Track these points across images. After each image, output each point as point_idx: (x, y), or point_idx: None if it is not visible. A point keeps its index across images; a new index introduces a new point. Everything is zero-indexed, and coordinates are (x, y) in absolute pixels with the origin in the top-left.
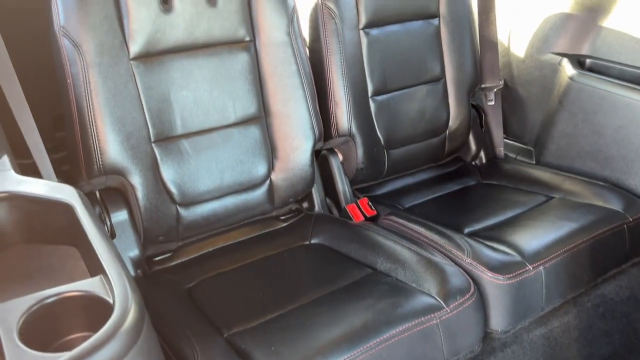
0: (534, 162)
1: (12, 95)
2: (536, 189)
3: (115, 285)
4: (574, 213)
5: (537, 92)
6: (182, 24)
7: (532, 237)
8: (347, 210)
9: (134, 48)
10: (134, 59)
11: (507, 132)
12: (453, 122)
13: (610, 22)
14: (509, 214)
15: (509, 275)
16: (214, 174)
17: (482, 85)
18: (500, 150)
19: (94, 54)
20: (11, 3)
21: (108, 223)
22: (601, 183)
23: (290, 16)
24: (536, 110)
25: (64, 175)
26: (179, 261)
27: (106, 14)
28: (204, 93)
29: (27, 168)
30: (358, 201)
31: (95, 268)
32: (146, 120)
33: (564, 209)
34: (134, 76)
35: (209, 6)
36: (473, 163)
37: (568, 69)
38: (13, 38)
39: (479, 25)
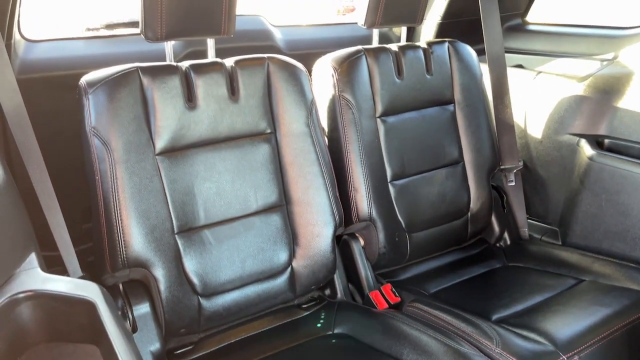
0: (560, 242)
1: (41, 190)
2: (564, 271)
3: None
4: (607, 297)
5: (558, 173)
6: (206, 120)
7: (564, 324)
8: (371, 297)
9: (160, 144)
10: (160, 154)
11: (530, 213)
12: (474, 204)
13: (626, 103)
14: (537, 298)
15: None
16: (235, 263)
17: (502, 167)
18: (525, 231)
19: (122, 151)
20: (44, 100)
21: (130, 317)
22: (632, 265)
23: (309, 108)
24: (558, 190)
25: (89, 267)
26: (201, 354)
27: (135, 115)
28: (226, 184)
29: (53, 260)
30: (381, 287)
31: None
32: (170, 213)
33: (596, 293)
34: (159, 170)
35: (231, 102)
36: (497, 245)
37: (587, 150)
38: (45, 133)
39: (495, 108)
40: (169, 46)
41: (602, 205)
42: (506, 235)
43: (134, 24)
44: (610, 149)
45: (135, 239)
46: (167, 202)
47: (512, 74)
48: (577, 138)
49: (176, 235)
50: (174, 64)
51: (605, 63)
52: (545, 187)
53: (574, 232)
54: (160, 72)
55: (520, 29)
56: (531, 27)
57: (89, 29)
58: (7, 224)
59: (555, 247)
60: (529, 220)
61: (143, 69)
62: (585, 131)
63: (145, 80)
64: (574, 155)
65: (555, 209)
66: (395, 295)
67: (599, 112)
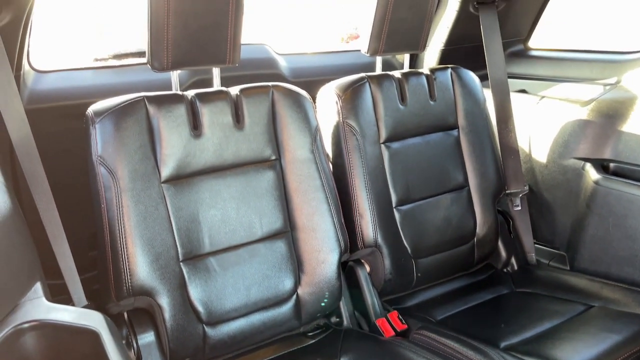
0: (568, 267)
1: (48, 220)
2: (573, 297)
3: None
4: (617, 323)
5: (564, 197)
6: (211, 147)
7: (574, 351)
8: (377, 324)
9: (165, 172)
10: (165, 181)
11: (537, 237)
12: (480, 229)
13: (630, 127)
14: (546, 325)
15: None
16: (240, 291)
17: (507, 191)
18: (532, 256)
19: (127, 179)
20: (52, 129)
21: (135, 346)
22: None
23: (314, 135)
24: (565, 214)
25: (94, 295)
26: None
27: (141, 143)
28: (231, 211)
29: (58, 288)
30: (388, 315)
31: None
32: (175, 241)
33: (606, 319)
34: (165, 198)
35: (236, 130)
36: (505, 270)
37: (592, 174)
38: (52, 162)
39: (499, 133)
40: (174, 75)
41: (610, 230)
42: (513, 260)
43: (140, 54)
44: (616, 173)
45: (140, 267)
46: (172, 230)
47: (515, 98)
48: (582, 162)
49: (181, 263)
50: (180, 92)
51: (608, 87)
52: (551, 212)
53: (582, 256)
54: (166, 101)
55: (523, 55)
56: (533, 53)
57: (97, 59)
58: (13, 254)
59: (564, 272)
60: (536, 245)
61: (149, 98)
62: (590, 155)
63: (152, 109)
64: (580, 179)
65: (563, 233)
66: (402, 323)
67: (604, 136)
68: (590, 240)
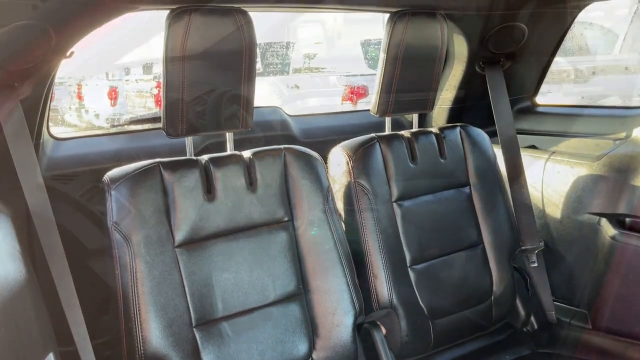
0: (590, 326)
1: (62, 287)
2: (597, 358)
3: None
4: None
5: (581, 253)
6: (225, 210)
7: None
8: None
9: (179, 236)
10: (179, 246)
11: (556, 295)
12: (497, 287)
13: None
14: None
15: None
16: (254, 357)
17: (522, 248)
18: (552, 315)
19: (142, 245)
20: (67, 193)
21: None
22: None
23: (325, 195)
24: (583, 271)
25: None
26: None
27: (155, 208)
28: (244, 274)
29: (70, 355)
30: None
31: None
32: (188, 306)
33: None
34: (178, 263)
35: (249, 192)
36: (524, 329)
37: (608, 229)
38: (67, 226)
39: (511, 189)
40: (189, 141)
41: (631, 287)
42: (532, 319)
43: (156, 120)
44: (632, 228)
45: (154, 333)
46: (186, 295)
47: (525, 154)
48: (598, 217)
49: (194, 329)
50: (194, 158)
51: (618, 142)
52: (569, 268)
53: (604, 315)
54: (181, 167)
55: (531, 111)
56: (541, 109)
57: (113, 126)
58: (28, 325)
59: (586, 331)
60: (555, 303)
61: (164, 164)
62: (605, 210)
63: (166, 175)
64: (596, 235)
65: (582, 290)
66: None
67: (617, 190)
68: (611, 297)
